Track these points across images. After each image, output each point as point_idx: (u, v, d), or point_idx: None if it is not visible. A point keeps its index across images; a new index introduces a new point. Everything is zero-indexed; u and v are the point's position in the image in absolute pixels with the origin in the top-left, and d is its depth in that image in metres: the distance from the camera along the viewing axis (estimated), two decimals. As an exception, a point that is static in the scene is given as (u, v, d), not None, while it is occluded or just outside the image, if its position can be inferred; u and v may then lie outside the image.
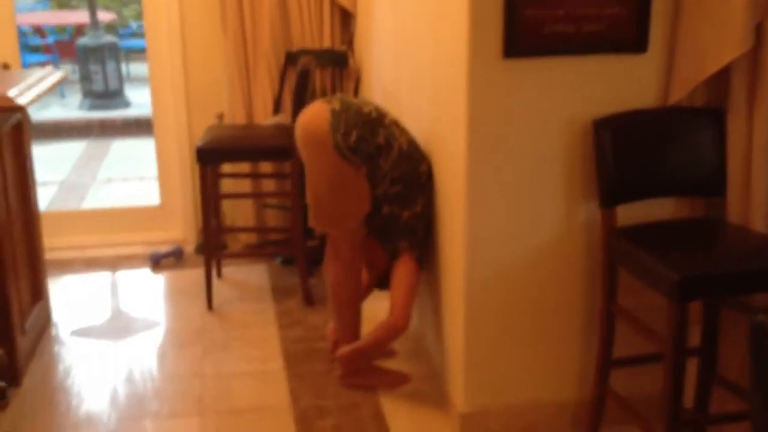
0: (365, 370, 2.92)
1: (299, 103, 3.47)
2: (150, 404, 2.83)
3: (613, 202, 2.37)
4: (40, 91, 3.15)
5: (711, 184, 2.43)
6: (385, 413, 2.75)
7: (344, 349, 2.88)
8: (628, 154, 2.38)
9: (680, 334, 2.12)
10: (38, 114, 8.06)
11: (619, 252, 2.34)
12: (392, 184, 2.76)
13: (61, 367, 3.09)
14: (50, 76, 3.49)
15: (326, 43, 4.07)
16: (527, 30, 2.31)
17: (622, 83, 2.42)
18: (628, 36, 2.39)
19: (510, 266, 2.50)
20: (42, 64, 9.19)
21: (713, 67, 2.30)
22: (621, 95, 2.42)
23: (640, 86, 2.44)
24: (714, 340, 2.46)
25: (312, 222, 2.85)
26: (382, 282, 2.94)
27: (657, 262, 2.15)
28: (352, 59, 4.06)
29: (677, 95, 2.40)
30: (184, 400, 2.85)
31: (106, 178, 6.17)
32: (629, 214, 2.42)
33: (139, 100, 8.04)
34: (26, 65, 8.49)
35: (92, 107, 8.07)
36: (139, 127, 7.32)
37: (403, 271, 2.81)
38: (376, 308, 3.00)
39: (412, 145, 2.80)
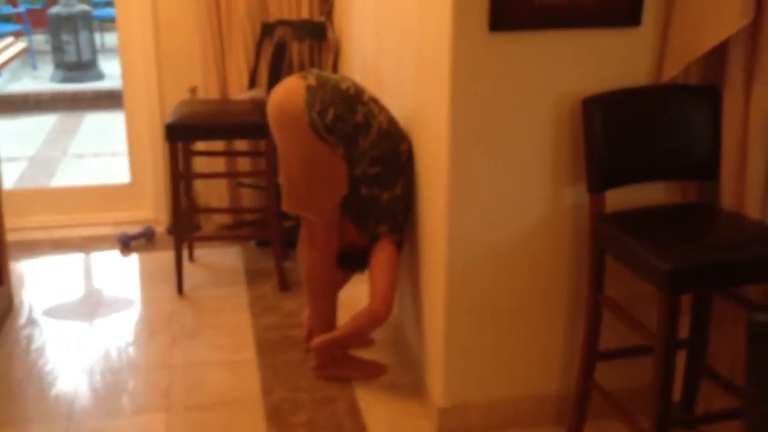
0: (341, 360, 2.79)
1: (275, 77, 3.31)
2: (114, 400, 2.68)
3: (602, 186, 2.24)
4: (-2, 64, 2.98)
5: (704, 167, 2.29)
6: (361, 407, 2.62)
7: (319, 339, 2.74)
8: (618, 135, 2.24)
9: (670, 327, 2.00)
10: (8, 86, 7.82)
11: (608, 239, 2.21)
12: (371, 164, 2.61)
13: (22, 358, 2.94)
14: (10, 47, 3.31)
15: (304, 14, 3.90)
16: (515, 1, 2.17)
17: (613, 59, 2.28)
18: (621, 8, 2.24)
19: (493, 251, 2.37)
20: (14, 34, 8.92)
21: (710, 42, 2.15)
22: (612, 72, 2.28)
23: (633, 62, 2.29)
24: (704, 331, 2.34)
25: (285, 205, 2.69)
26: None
27: (647, 252, 2.02)
28: (331, 31, 3.88)
29: (671, 72, 2.26)
30: (151, 394, 2.70)
31: (77, 154, 5.98)
32: (618, 198, 2.29)
33: (113, 72, 7.78)
34: (-1, 35, 8.23)
35: (64, 79, 7.83)
36: (113, 99, 7.07)
37: (383, 256, 2.67)
38: (354, 293, 2.87)
39: (392, 123, 2.65)
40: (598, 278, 2.27)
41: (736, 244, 2.11)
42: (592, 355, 2.34)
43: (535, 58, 2.25)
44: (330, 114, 2.53)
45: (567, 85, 2.28)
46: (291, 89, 2.60)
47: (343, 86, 2.60)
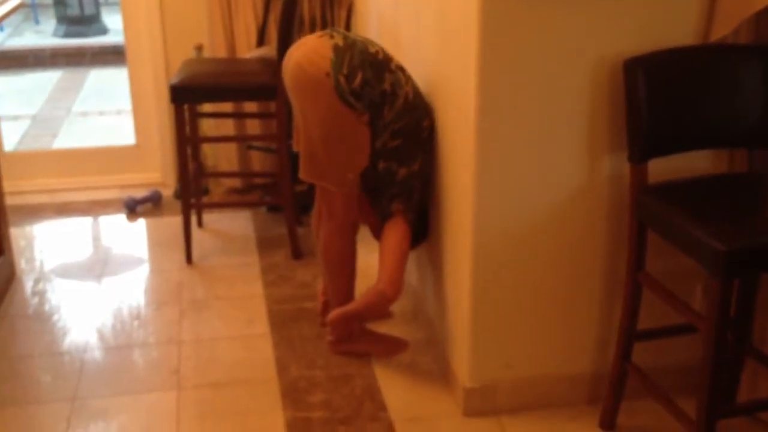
0: (359, 335, 2.65)
1: (285, 35, 3.13)
2: (121, 378, 2.55)
3: (645, 155, 2.06)
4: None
5: (756, 134, 2.11)
6: (381, 386, 2.49)
7: (335, 313, 2.59)
8: (663, 100, 2.05)
9: (723, 313, 1.83)
10: (10, 41, 7.61)
11: (650, 214, 2.04)
12: (392, 137, 2.43)
13: (25, 333, 2.81)
14: (6, 3, 3.13)
15: (315, -34, 3.69)
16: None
17: (657, 17, 2.08)
18: (667, -40, 2.04)
19: (523, 225, 2.21)
20: (15, -13, 8.69)
21: (765, -2, 1.96)
22: (656, 31, 2.08)
23: (678, 21, 2.10)
24: (750, 308, 2.18)
25: (303, 174, 2.50)
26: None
27: (698, 229, 1.85)
28: (343, -16, 3.68)
29: (722, 31, 2.07)
30: (160, 371, 2.57)
31: (81, 112, 5.80)
32: (660, 168, 2.11)
33: (118, 26, 7.55)
34: (-2, -12, 7.99)
35: (67, 34, 7.62)
36: (118, 55, 6.86)
37: (394, 234, 2.50)
38: (372, 262, 2.72)
39: (418, 96, 2.45)
40: (639, 255, 2.11)
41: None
42: (630, 336, 2.19)
43: (571, 17, 2.05)
44: (358, 78, 2.33)
45: (606, 47, 2.09)
46: (316, 48, 2.39)
47: (372, 50, 2.40)
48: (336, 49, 2.35)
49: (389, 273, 2.44)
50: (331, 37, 2.40)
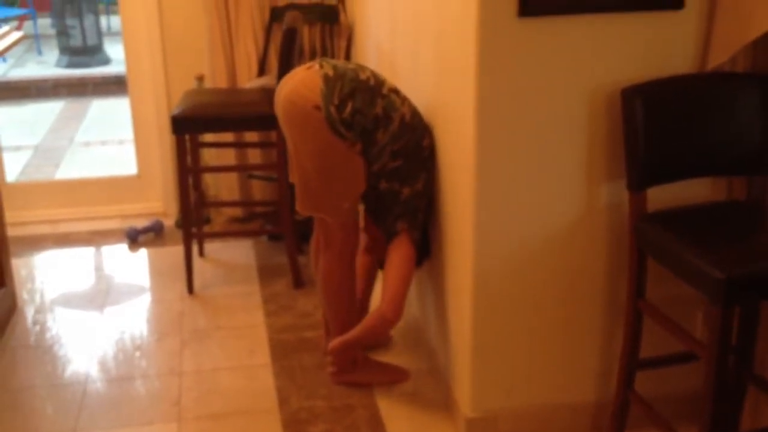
0: (360, 365, 2.64)
1: (286, 64, 3.14)
2: (122, 409, 2.54)
3: (644, 183, 2.07)
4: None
5: (754, 161, 2.12)
6: (383, 417, 2.47)
7: (335, 342, 2.58)
8: (661, 128, 2.06)
9: (723, 341, 1.83)
10: (13, 72, 7.67)
11: (650, 242, 2.04)
12: (392, 158, 2.43)
13: (26, 365, 2.80)
14: (7, 36, 3.16)
15: (315, -3, 3.72)
16: (545, -16, 1.99)
17: (654, 46, 2.10)
18: (662, -10, 2.06)
19: (522, 253, 2.21)
20: (18, 18, 8.77)
21: (761, 27, 1.97)
22: (653, 59, 2.10)
23: (675, 49, 2.11)
24: (752, 334, 2.18)
25: (300, 207, 2.50)
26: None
27: (696, 257, 1.85)
28: (343, 15, 3.71)
29: (718, 59, 2.08)
30: (161, 402, 2.56)
31: (84, 142, 5.83)
32: (659, 196, 2.12)
33: (120, 57, 7.62)
34: (2, 19, 8.07)
35: (70, 64, 7.67)
36: (120, 85, 6.91)
37: (398, 255, 2.50)
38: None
39: (416, 116, 2.46)
40: (639, 283, 2.11)
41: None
42: (632, 364, 2.19)
43: (569, 45, 2.07)
44: (349, 108, 2.34)
45: (603, 75, 2.10)
46: (304, 82, 2.40)
47: (362, 76, 2.41)
48: (326, 79, 2.36)
49: (391, 295, 2.43)
50: (321, 67, 2.40)
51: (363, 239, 2.71)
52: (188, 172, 3.24)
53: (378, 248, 2.62)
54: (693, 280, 1.87)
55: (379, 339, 2.79)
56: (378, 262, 2.70)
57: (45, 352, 2.86)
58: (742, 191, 2.21)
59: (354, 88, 2.35)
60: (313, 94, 2.34)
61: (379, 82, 2.43)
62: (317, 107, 2.33)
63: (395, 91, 2.45)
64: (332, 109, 2.33)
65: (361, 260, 2.77)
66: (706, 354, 1.88)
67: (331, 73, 2.37)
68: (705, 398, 1.88)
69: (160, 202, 4.06)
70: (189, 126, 3.18)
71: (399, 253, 2.50)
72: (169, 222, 3.90)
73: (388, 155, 2.43)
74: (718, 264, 1.79)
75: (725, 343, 1.83)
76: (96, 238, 3.81)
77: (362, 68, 2.47)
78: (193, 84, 3.74)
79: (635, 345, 2.17)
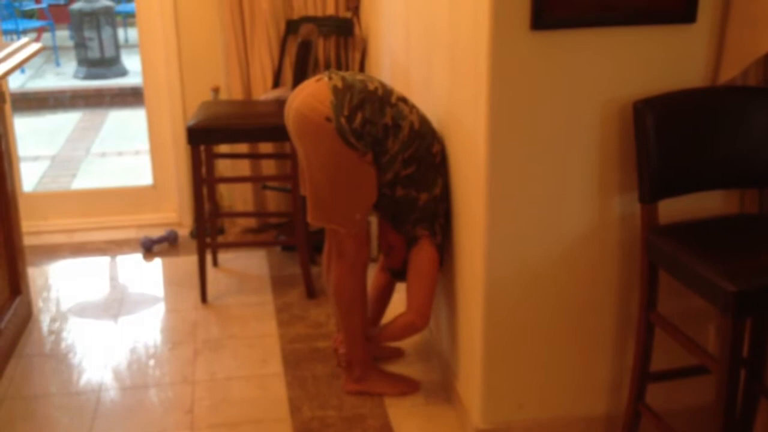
0: (372, 375, 2.64)
1: (301, 76, 3.17)
2: (136, 418, 2.56)
3: (655, 196, 2.07)
4: (12, 65, 2.87)
5: (766, 174, 2.12)
6: (394, 427, 2.48)
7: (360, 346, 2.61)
8: (673, 141, 2.07)
9: (735, 353, 1.83)
10: (31, 83, 7.76)
11: (662, 254, 2.04)
12: (404, 166, 2.44)
13: (40, 373, 2.83)
14: (26, 47, 3.20)
15: (330, 10, 3.76)
16: (558, -2, 2.00)
17: (666, 59, 2.11)
18: (674, 4, 2.07)
19: (535, 265, 2.22)
20: (37, 30, 8.88)
21: (774, 40, 1.98)
22: (665, 73, 2.11)
23: (687, 62, 2.12)
24: (763, 348, 2.17)
25: (311, 218, 2.51)
26: (401, 273, 2.64)
27: (708, 269, 1.85)
28: (358, 27, 3.74)
29: (730, 73, 2.09)
30: (174, 412, 2.58)
31: (100, 152, 5.89)
32: (670, 209, 2.13)
33: (137, 68, 7.69)
34: (21, 31, 8.17)
35: (87, 76, 7.75)
36: (136, 96, 7.00)
37: (420, 260, 2.51)
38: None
39: (425, 123, 2.48)
40: (651, 295, 2.11)
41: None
42: (643, 377, 2.18)
43: (581, 58, 2.08)
44: (359, 118, 2.36)
45: (615, 88, 2.11)
46: (314, 94, 2.41)
47: (371, 87, 2.42)
48: (335, 90, 2.37)
49: (418, 303, 2.46)
50: (330, 78, 2.42)
51: (380, 260, 2.72)
52: (203, 182, 3.27)
53: (394, 255, 2.63)
54: (705, 293, 1.87)
55: (391, 350, 2.81)
56: (392, 272, 2.70)
57: (60, 361, 2.89)
58: (754, 204, 2.21)
59: (363, 99, 2.37)
60: (324, 106, 2.36)
61: (387, 92, 2.45)
62: (328, 119, 2.35)
63: (403, 100, 2.47)
64: (343, 120, 2.35)
65: (376, 280, 2.79)
66: (718, 367, 1.87)
67: (340, 84, 2.39)
68: (716, 411, 1.88)
69: (175, 213, 4.09)
70: (204, 137, 3.22)
71: (421, 258, 2.51)
72: (184, 232, 3.93)
73: (399, 163, 2.44)
74: (729, 276, 1.79)
75: (737, 355, 1.83)
76: (111, 248, 3.85)
77: (370, 79, 2.50)
78: (208, 96, 3.78)
79: (647, 357, 2.17)
